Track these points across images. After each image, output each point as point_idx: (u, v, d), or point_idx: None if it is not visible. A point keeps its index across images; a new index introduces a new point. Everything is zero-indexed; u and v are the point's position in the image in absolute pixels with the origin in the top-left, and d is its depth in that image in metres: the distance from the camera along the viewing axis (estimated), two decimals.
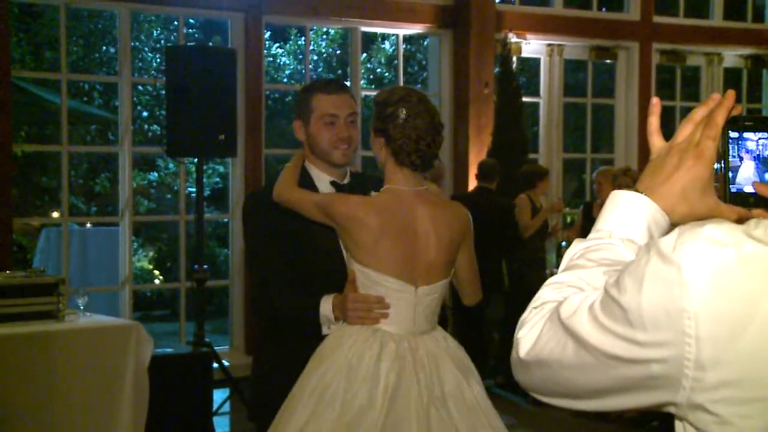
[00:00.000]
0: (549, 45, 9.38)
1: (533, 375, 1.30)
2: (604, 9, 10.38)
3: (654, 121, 1.44)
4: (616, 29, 9.66)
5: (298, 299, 3.05)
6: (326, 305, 2.95)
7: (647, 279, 1.16)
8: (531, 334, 1.29)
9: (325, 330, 2.97)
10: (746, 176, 1.30)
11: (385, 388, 2.75)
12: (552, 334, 1.26)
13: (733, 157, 1.31)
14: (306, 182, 3.14)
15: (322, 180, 3.17)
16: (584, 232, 5.11)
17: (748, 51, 10.36)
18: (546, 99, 9.49)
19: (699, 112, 1.36)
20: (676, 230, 1.18)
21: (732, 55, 10.36)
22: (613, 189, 1.43)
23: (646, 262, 1.17)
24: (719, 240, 1.14)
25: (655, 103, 1.44)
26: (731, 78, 10.52)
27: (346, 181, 3.21)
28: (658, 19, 9.84)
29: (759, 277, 1.12)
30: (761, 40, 10.33)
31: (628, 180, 6.87)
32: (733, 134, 1.31)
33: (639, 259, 1.19)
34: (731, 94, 1.35)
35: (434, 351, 2.90)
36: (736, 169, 1.30)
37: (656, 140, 1.42)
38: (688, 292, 1.13)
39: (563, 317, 1.24)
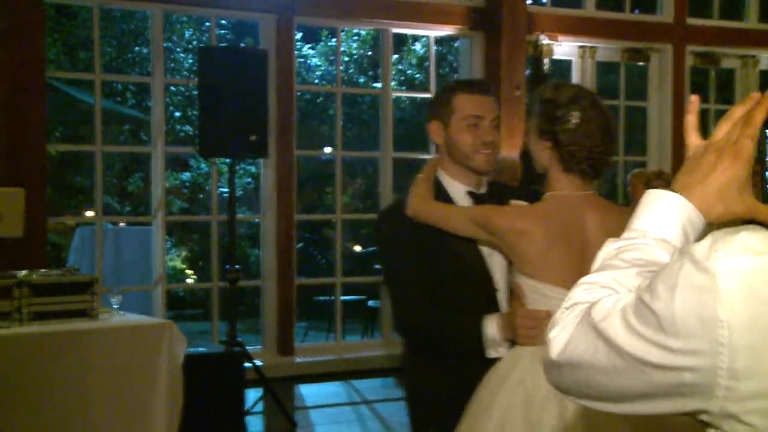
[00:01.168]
0: (581, 47, 9.32)
1: (565, 376, 1.29)
2: (636, 11, 10.30)
3: (691, 119, 1.41)
4: (648, 31, 9.58)
5: (452, 319, 2.84)
6: (491, 327, 2.71)
7: (680, 286, 1.14)
8: (562, 335, 1.28)
9: (492, 354, 2.72)
10: None
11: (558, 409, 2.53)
12: (584, 337, 1.24)
13: None
14: (439, 192, 2.91)
15: (457, 190, 2.95)
16: None
17: None
18: None
19: (737, 111, 1.34)
20: (710, 237, 1.17)
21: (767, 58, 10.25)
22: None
23: (679, 269, 1.16)
24: (754, 248, 1.13)
25: (693, 101, 1.42)
26: (766, 81, 10.40)
27: (482, 190, 2.97)
28: (691, 20, 9.75)
29: None
30: None
31: (662, 183, 6.80)
32: None
33: (672, 264, 1.18)
34: None
35: None
36: None
37: (693, 138, 1.40)
38: (721, 301, 1.12)
39: (595, 320, 1.23)
